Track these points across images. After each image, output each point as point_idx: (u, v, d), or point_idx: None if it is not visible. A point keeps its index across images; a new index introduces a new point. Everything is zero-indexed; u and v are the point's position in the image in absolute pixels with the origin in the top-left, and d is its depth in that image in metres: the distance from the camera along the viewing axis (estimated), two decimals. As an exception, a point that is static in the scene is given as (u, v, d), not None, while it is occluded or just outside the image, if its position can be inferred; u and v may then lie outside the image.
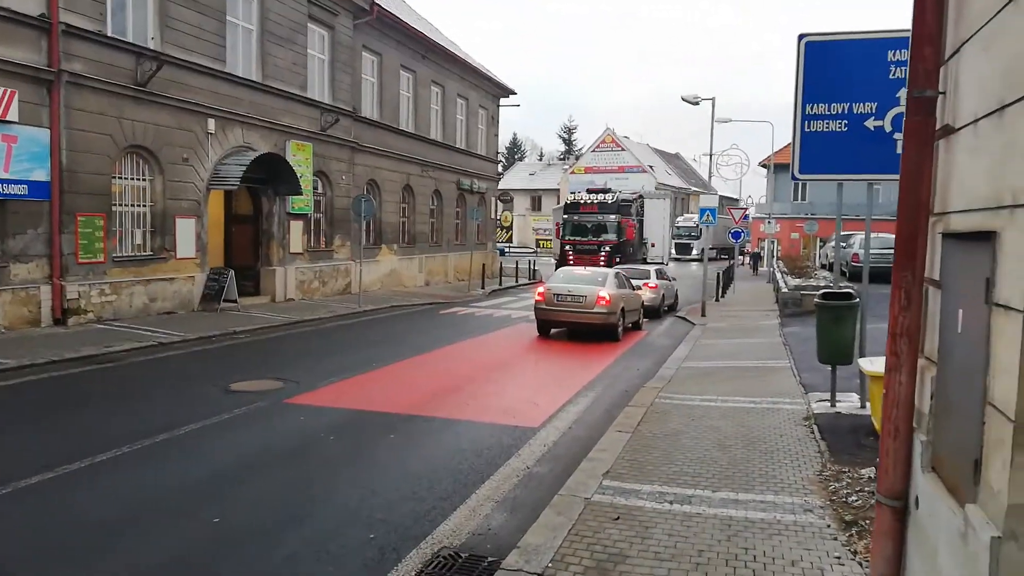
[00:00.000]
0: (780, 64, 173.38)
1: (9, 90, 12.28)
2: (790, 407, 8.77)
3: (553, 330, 16.07)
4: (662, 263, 31.33)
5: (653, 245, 36.01)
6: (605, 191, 29.95)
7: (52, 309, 13.28)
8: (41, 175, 13.00)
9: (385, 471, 6.71)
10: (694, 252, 54.36)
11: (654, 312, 20.20)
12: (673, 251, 54.52)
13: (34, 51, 12.83)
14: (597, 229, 28.38)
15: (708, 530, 5.04)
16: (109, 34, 14.21)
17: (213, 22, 16.74)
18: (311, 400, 9.16)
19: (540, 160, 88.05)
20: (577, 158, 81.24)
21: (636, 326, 17.56)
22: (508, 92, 36.20)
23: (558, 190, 75.29)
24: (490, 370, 11.94)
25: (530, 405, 9.36)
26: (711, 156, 27.57)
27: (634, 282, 18.78)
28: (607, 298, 15.16)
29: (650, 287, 20.46)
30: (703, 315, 20.31)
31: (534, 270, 34.28)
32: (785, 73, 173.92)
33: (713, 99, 25.18)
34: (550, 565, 4.51)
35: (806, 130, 8.01)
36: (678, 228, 57.39)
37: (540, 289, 16.14)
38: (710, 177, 30.00)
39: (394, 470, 6.72)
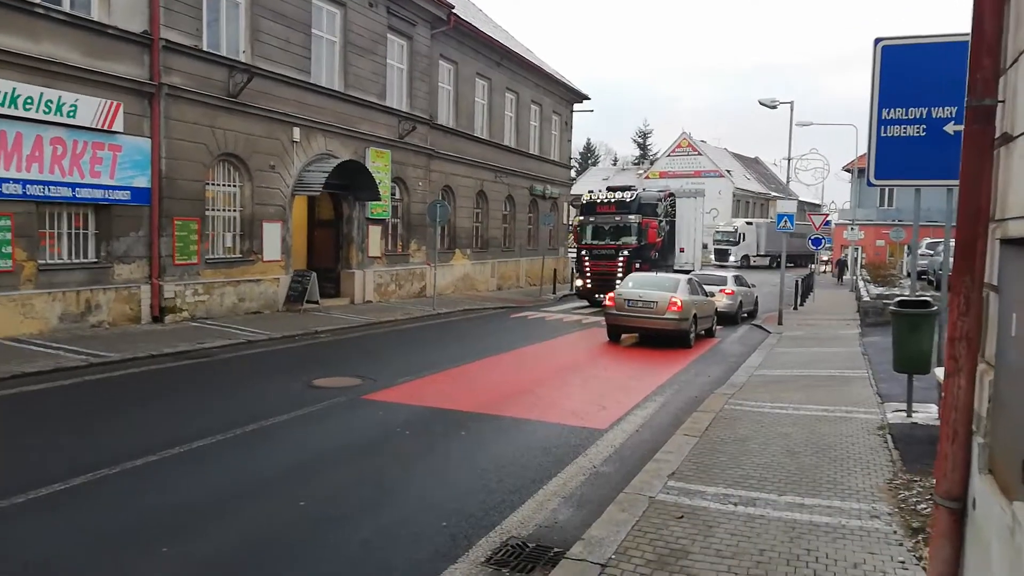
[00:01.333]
0: (863, 66, 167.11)
1: (115, 103, 13.27)
2: (864, 416, 8.63)
3: (624, 335, 16.12)
4: (691, 270, 26.68)
5: (682, 250, 29.23)
6: (626, 188, 25.02)
7: (151, 307, 14.24)
8: (142, 182, 13.97)
9: (457, 465, 7.01)
10: (731, 259, 53.05)
11: (731, 319, 20.06)
12: (713, 257, 52.98)
13: (137, 66, 13.81)
14: (615, 231, 23.67)
15: (771, 531, 5.10)
16: (204, 49, 15.13)
17: (299, 35, 17.58)
18: (387, 397, 9.57)
19: (614, 165, 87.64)
20: (652, 162, 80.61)
21: (709, 333, 17.42)
22: (582, 97, 36.33)
23: (632, 195, 74.71)
24: (558, 373, 12.14)
25: (597, 408, 9.51)
26: (789, 161, 26.95)
27: (710, 288, 18.88)
28: (679, 304, 15.14)
29: (726, 293, 20.31)
30: (780, 323, 19.93)
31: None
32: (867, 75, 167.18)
33: (792, 103, 24.69)
34: (613, 557, 4.68)
35: (882, 135, 7.89)
36: (717, 234, 56.07)
37: (611, 294, 16.36)
38: (788, 182, 29.21)
39: (465, 464, 7.01)
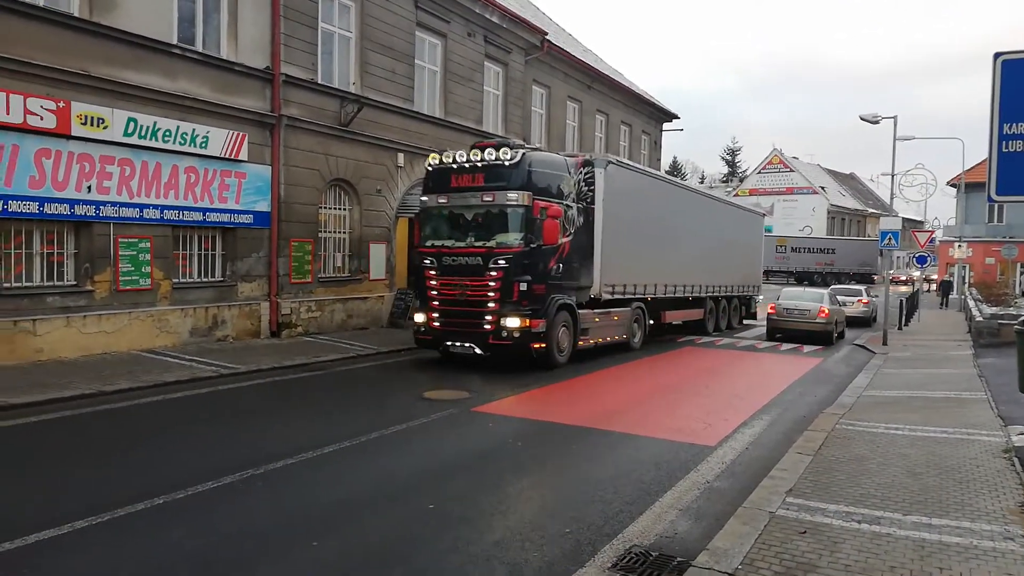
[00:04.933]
0: (970, 77, 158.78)
1: (241, 134, 14.33)
2: (987, 439, 8.36)
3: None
4: (751, 294, 25.00)
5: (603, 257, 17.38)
6: (503, 145, 13.25)
7: (269, 323, 15.19)
8: (263, 206, 14.98)
9: (571, 476, 7.26)
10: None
11: (865, 323, 25.45)
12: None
13: (260, 99, 14.87)
14: (484, 224, 13.13)
15: (899, 549, 5.10)
16: (319, 81, 16.13)
17: (404, 66, 18.44)
18: (496, 409, 9.92)
19: (701, 183, 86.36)
20: (741, 180, 79.09)
21: (841, 336, 21.37)
22: (671, 116, 36.23)
23: (721, 213, 73.49)
24: (663, 390, 12.21)
25: (704, 425, 9.56)
26: (892, 176, 26.00)
27: (845, 299, 24.44)
28: (827, 312, 19.92)
29: (863, 302, 26.07)
30: (884, 344, 19.28)
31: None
32: (975, 86, 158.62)
33: (895, 118, 23.88)
34: (740, 567, 4.80)
35: (1004, 150, 7.71)
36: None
37: (771, 304, 21.15)
38: (892, 199, 28.13)
39: (579, 475, 7.25)
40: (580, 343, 14.26)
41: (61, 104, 11.36)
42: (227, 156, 14.06)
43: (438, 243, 13.48)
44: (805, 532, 5.42)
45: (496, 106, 22.85)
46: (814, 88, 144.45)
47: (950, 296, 39.91)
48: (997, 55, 7.84)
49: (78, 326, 11.91)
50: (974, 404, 10.59)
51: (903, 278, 57.32)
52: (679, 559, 5.19)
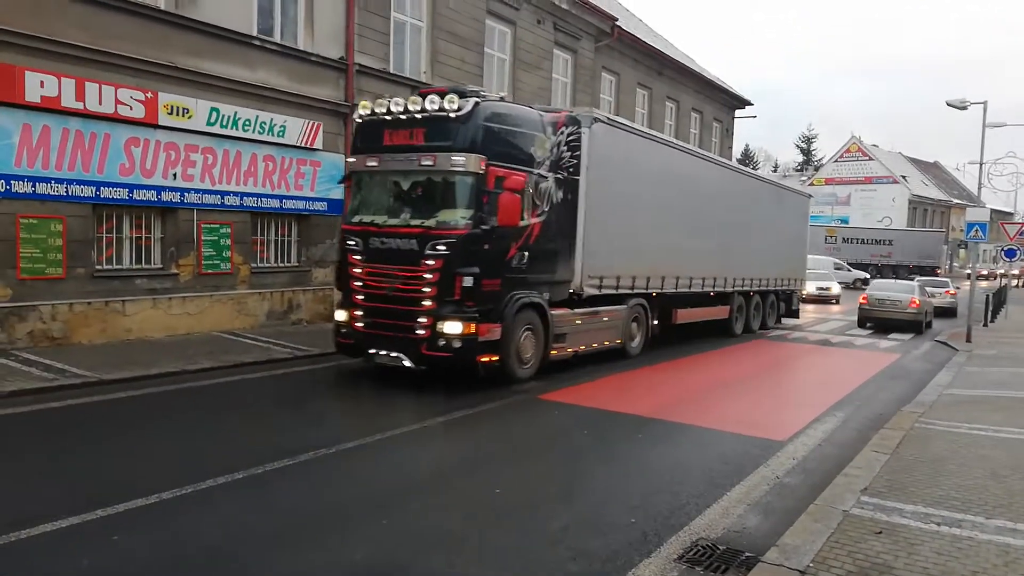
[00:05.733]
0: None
1: (316, 123, 14.71)
2: (1081, 443, 7.92)
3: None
4: (793, 289, 21.39)
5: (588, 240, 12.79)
6: (450, 91, 9.73)
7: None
8: (336, 194, 15.34)
9: (636, 465, 7.25)
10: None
11: (951, 313, 26.61)
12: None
13: (334, 88, 15.21)
14: (421, 197, 10.04)
15: (982, 554, 4.91)
16: (391, 71, 16.37)
17: (473, 55, 18.53)
18: (562, 397, 9.95)
19: (775, 172, 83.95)
20: (817, 169, 76.50)
21: (929, 325, 22.33)
22: (743, 103, 35.32)
23: (794, 203, 71.21)
24: (733, 383, 12.02)
25: (775, 419, 9.38)
26: (981, 165, 24.71)
27: (933, 290, 25.84)
28: (918, 302, 21.20)
29: (949, 293, 27.88)
30: (968, 340, 18.44)
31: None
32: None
33: (985, 103, 22.67)
34: (811, 565, 4.71)
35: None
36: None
37: (863, 295, 22.42)
38: (980, 189, 26.69)
39: (644, 465, 7.24)
40: (554, 352, 11.02)
41: (149, 95, 11.89)
42: (303, 145, 14.46)
43: (366, 220, 10.21)
44: (880, 532, 5.27)
45: (565, 94, 22.74)
46: (894, 75, 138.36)
47: None
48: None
49: (164, 307, 12.51)
50: (1066, 406, 10.04)
51: (984, 272, 54.56)
52: (747, 554, 5.13)
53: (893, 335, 20.06)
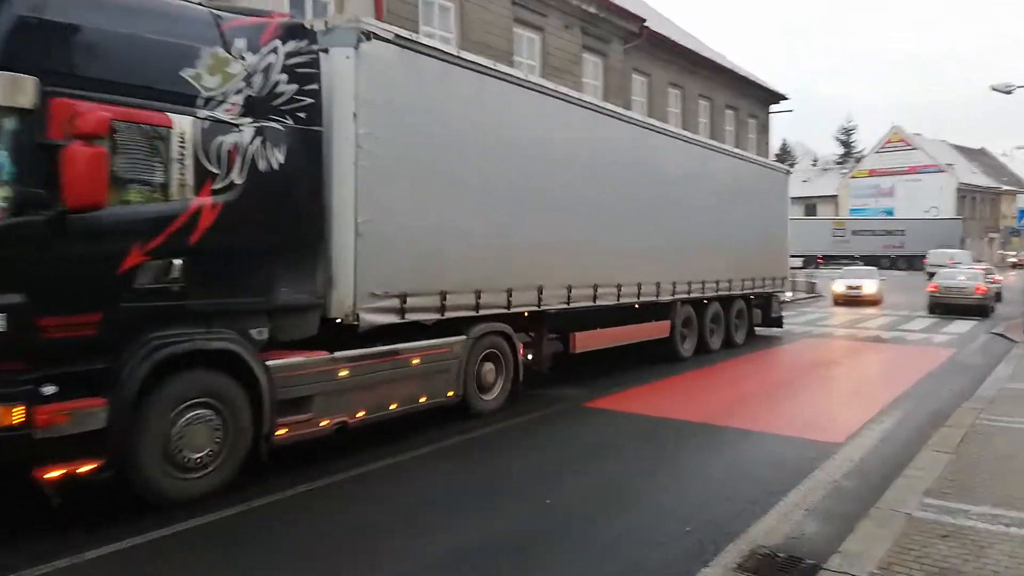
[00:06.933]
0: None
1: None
2: None
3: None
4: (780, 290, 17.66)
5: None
6: None
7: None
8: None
9: (689, 473, 7.14)
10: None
11: (998, 298, 26.94)
12: None
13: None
14: None
15: (1058, 557, 4.70)
16: (423, 85, 16.48)
17: (503, 63, 18.53)
18: (608, 404, 9.86)
19: (814, 165, 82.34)
20: (858, 160, 74.85)
21: (993, 309, 24.23)
22: (779, 97, 34.73)
23: (836, 196, 69.90)
24: (784, 383, 11.82)
25: (829, 420, 9.15)
26: (1031, 149, 23.90)
27: (995, 276, 28.59)
28: (984, 288, 23.64)
29: (996, 280, 28.79)
30: (1026, 331, 17.81)
31: (811, 283, 33.36)
32: None
33: (1033, 84, 21.92)
34: (876, 572, 4.56)
35: None
36: None
37: (932, 283, 24.89)
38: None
39: (697, 472, 7.11)
40: (282, 432, 6.43)
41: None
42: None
43: None
44: (947, 536, 5.09)
45: (595, 97, 22.62)
46: (930, 62, 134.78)
47: None
48: None
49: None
50: None
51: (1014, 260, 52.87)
52: (808, 561, 4.98)
53: (947, 328, 19.48)
